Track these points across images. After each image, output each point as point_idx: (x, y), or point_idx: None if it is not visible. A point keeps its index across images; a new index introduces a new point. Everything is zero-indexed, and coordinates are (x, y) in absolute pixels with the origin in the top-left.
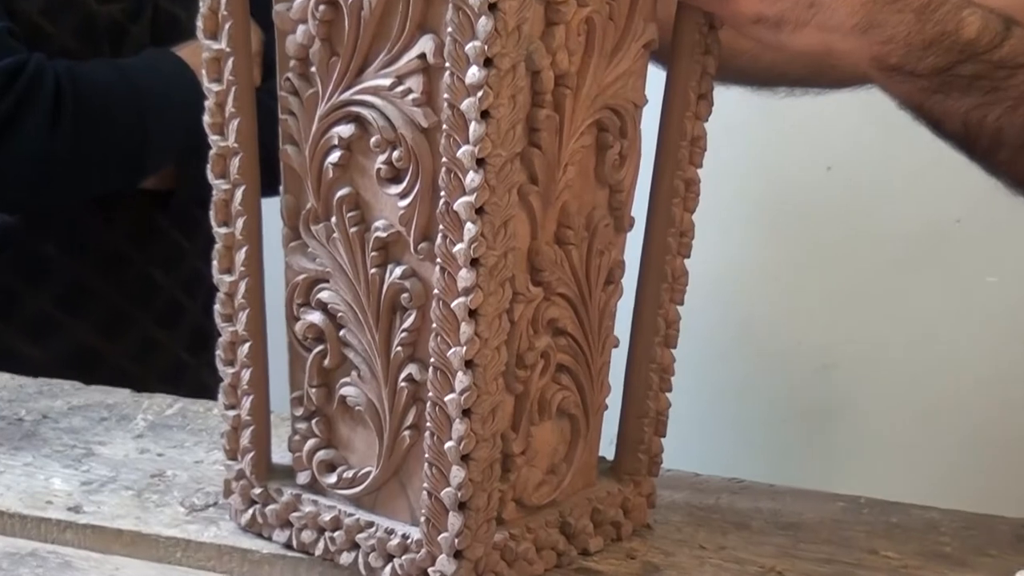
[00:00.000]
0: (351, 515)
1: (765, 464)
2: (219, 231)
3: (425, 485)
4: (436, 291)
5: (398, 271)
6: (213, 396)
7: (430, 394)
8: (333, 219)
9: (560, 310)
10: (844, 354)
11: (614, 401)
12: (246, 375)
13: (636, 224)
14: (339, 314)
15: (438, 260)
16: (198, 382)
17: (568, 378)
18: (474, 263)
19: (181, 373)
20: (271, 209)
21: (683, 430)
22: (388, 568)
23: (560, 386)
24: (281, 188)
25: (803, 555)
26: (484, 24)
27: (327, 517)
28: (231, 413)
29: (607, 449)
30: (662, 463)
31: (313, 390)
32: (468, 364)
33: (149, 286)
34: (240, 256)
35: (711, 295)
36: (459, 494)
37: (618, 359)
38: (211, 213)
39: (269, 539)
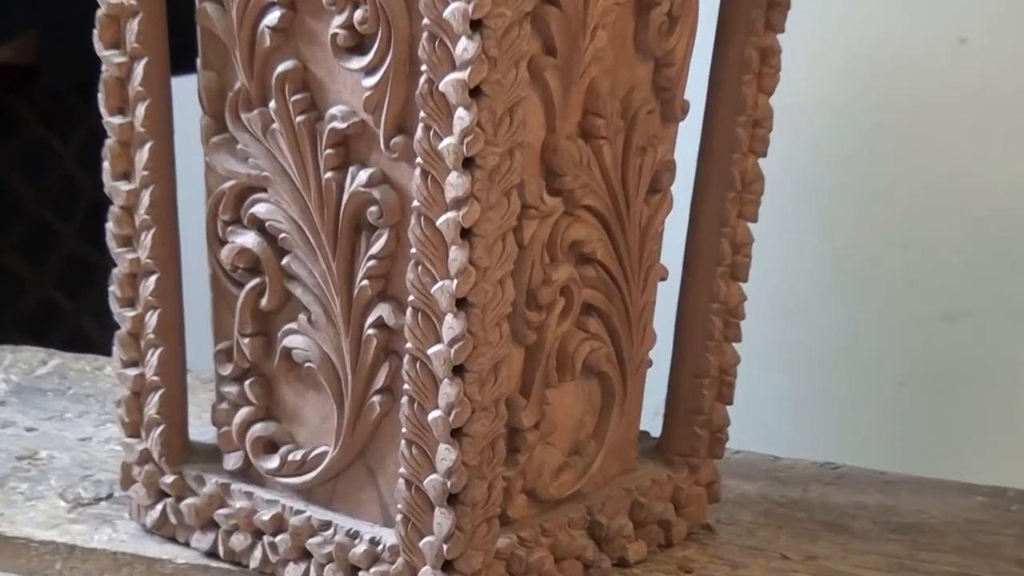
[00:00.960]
0: (300, 512)
1: (870, 444)
2: (111, 121)
3: (402, 471)
4: (416, 203)
5: (363, 176)
6: (100, 350)
7: (408, 345)
8: (272, 104)
9: (587, 229)
10: (976, 299)
11: (661, 356)
12: (152, 320)
13: (692, 110)
14: (281, 235)
15: (418, 160)
16: (77, 331)
17: (598, 323)
18: (468, 164)
19: (52, 318)
20: (184, 91)
21: (757, 397)
22: None
23: (587, 334)
24: (199, 62)
25: (925, 567)
26: None
27: (266, 515)
28: (131, 372)
29: (651, 422)
30: (728, 441)
31: (246, 340)
32: (460, 304)
33: (6, 201)
34: (142, 155)
35: (794, 212)
36: (449, 483)
37: (666, 297)
38: (98, 97)
39: (185, 545)
